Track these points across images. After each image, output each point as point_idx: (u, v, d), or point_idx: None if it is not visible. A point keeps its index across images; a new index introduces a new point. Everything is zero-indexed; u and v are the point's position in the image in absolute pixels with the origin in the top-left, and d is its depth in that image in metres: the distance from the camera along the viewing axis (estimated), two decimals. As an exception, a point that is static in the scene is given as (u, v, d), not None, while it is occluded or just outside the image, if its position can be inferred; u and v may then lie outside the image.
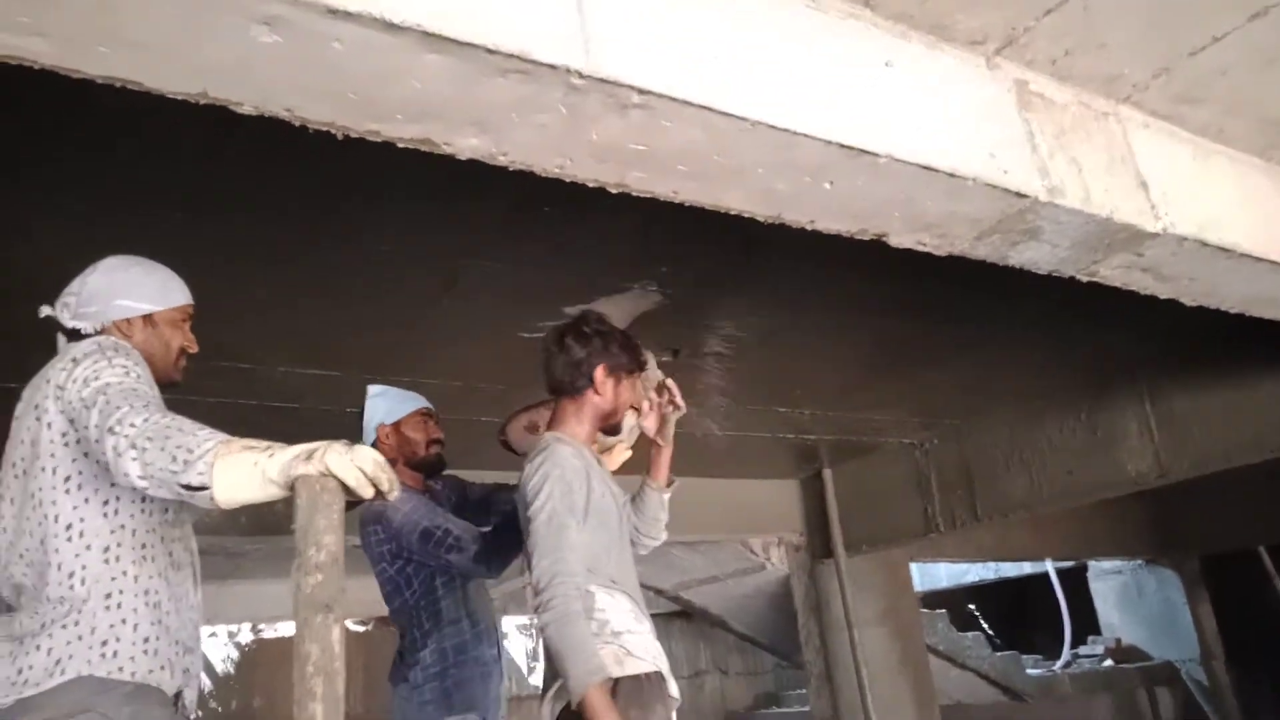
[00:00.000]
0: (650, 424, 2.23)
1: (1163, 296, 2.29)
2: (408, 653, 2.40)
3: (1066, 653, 8.27)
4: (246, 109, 1.25)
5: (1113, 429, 4.14)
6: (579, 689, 1.74)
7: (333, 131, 1.31)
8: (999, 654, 7.56)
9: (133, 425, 1.42)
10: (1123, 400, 4.10)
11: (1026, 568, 8.83)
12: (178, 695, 1.58)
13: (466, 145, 1.39)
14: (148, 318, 1.77)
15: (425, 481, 2.56)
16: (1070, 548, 7.10)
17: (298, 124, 1.29)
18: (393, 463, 2.54)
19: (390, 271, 2.60)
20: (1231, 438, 3.67)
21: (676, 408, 2.21)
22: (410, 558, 2.37)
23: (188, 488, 1.36)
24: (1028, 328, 3.51)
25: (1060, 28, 1.77)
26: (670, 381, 2.23)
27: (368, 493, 1.34)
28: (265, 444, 1.38)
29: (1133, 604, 7.93)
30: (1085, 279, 2.15)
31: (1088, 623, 8.48)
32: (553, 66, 1.24)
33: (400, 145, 1.37)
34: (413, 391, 2.65)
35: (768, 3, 1.53)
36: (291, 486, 1.32)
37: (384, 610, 2.54)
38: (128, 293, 1.74)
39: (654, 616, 2.12)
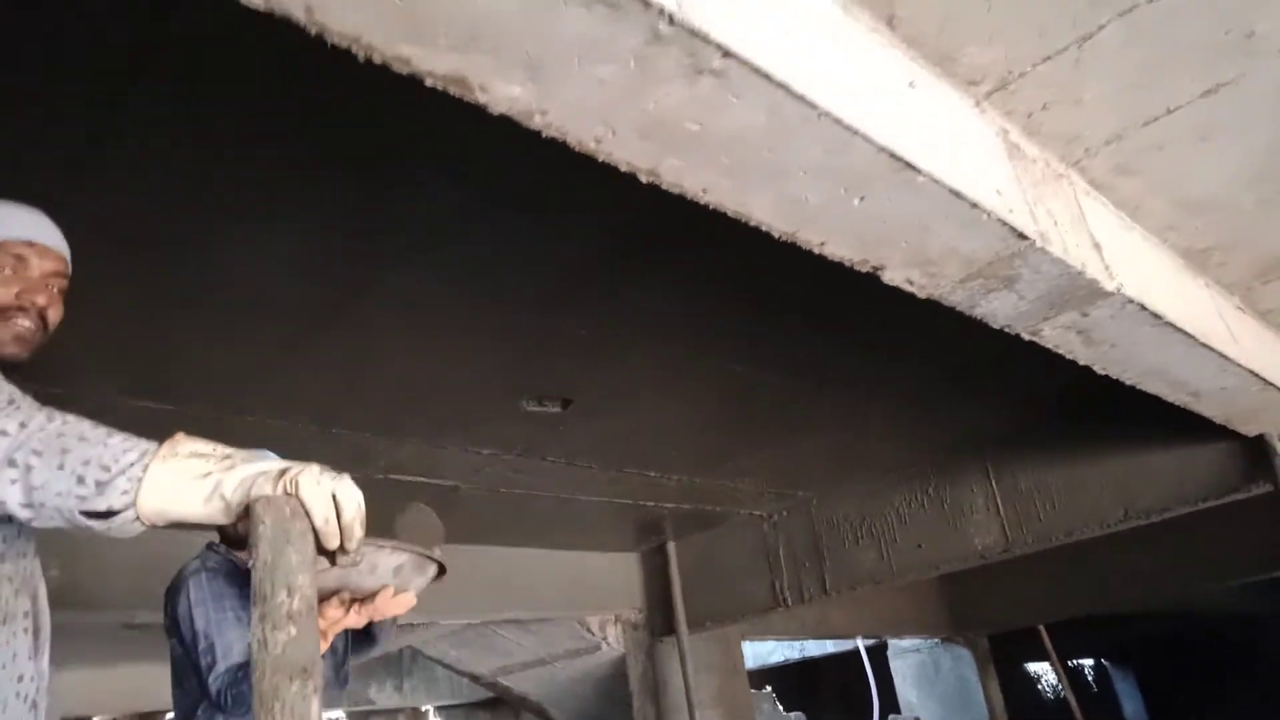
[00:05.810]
0: None
1: (1081, 362, 2.35)
2: None
3: (872, 730, 8.45)
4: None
5: (960, 503, 4.29)
6: None
7: (355, 50, 1.04)
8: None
9: (3, 434, 1.04)
10: (970, 474, 4.28)
11: (829, 646, 9.04)
12: None
13: (505, 95, 1.15)
14: None
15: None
16: (880, 626, 7.33)
17: (314, 30, 1.00)
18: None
19: (266, 285, 2.23)
20: (1072, 513, 3.88)
21: None
22: None
23: (98, 515, 1.00)
24: (899, 392, 3.58)
25: (1048, 78, 1.80)
26: None
27: (331, 543, 1.02)
28: (223, 451, 1.04)
29: (930, 682, 8.26)
30: (1028, 337, 2.17)
31: (887, 701, 8.75)
32: (646, 3, 1.05)
33: (429, 83, 1.11)
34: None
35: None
36: (246, 509, 1.00)
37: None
38: None
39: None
